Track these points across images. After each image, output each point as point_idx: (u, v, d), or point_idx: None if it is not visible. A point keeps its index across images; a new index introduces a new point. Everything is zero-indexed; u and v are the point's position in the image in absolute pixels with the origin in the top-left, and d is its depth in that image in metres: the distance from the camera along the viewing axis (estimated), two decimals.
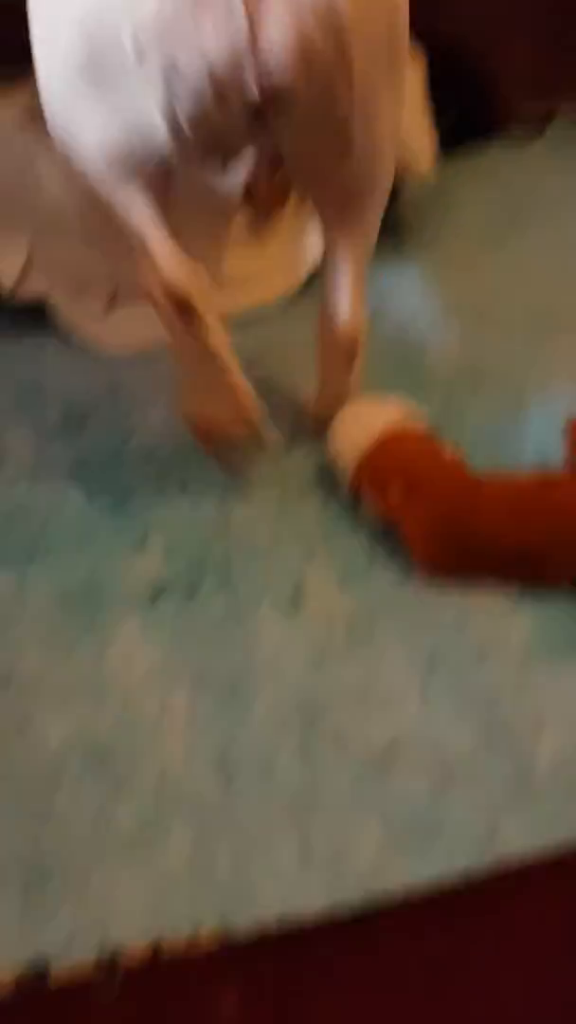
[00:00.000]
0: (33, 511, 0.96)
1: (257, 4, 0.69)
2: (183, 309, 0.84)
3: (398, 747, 0.73)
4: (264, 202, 1.05)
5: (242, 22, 0.69)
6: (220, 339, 0.88)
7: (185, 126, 0.74)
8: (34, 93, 0.88)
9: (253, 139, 0.81)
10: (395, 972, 0.61)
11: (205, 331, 0.86)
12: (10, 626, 0.85)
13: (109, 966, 0.61)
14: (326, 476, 0.98)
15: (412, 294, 1.24)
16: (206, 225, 1.13)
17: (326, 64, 0.72)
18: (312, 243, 1.26)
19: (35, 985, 0.60)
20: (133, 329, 1.21)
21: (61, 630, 0.84)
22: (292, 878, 0.65)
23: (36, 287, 1.22)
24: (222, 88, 0.72)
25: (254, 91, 0.72)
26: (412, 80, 1.29)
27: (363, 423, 0.92)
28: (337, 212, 0.90)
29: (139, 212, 0.85)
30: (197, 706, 0.77)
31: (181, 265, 0.85)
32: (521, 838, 0.67)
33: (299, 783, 0.71)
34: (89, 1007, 0.60)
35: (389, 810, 0.69)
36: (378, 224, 0.92)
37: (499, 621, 0.83)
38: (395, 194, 1.30)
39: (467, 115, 1.47)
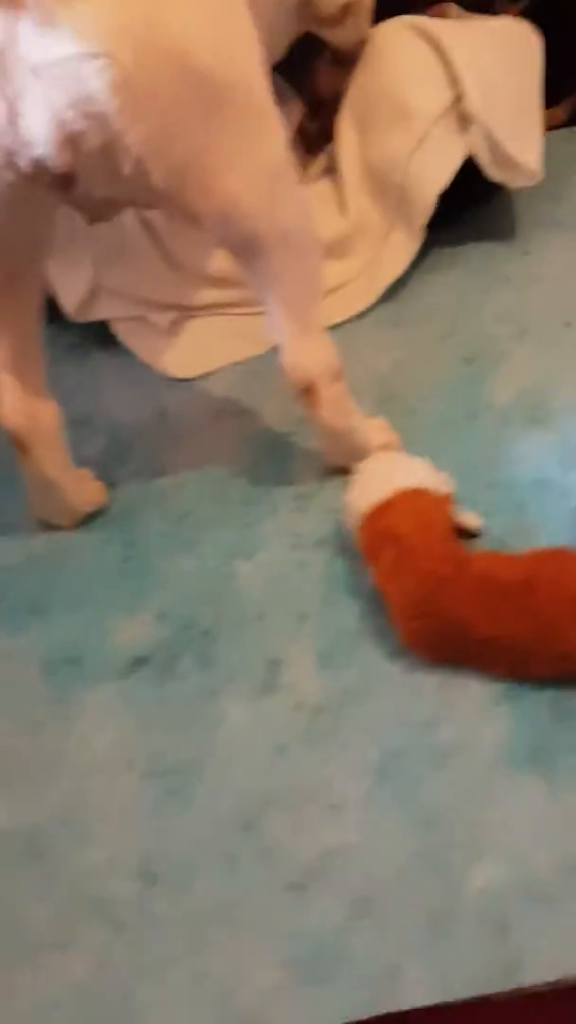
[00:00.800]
0: (41, 564, 0.98)
1: (15, 101, 0.71)
2: (18, 443, 0.94)
3: (324, 864, 0.71)
4: None
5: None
6: (55, 465, 0.96)
7: None
8: None
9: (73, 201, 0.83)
10: None
11: (36, 462, 0.95)
12: None
13: None
14: (340, 533, 0.94)
15: (492, 308, 1.16)
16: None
17: (95, 144, 0.73)
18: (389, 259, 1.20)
19: None
20: (195, 351, 1.21)
21: (37, 702, 0.86)
22: (179, 1009, 0.65)
23: (101, 311, 1.23)
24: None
25: (29, 170, 0.75)
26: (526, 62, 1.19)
27: (375, 481, 0.87)
28: (239, 261, 0.89)
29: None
30: (141, 796, 0.77)
31: (22, 405, 0.92)
32: (422, 986, 0.64)
33: (216, 899, 0.70)
34: None
35: (296, 938, 0.67)
36: (302, 272, 0.88)
37: (475, 719, 0.78)
38: (489, 198, 1.23)
39: None
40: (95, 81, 0.71)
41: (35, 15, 0.70)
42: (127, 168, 0.76)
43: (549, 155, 1.17)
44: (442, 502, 0.85)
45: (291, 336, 0.89)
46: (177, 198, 0.79)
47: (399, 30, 1.20)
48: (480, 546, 0.88)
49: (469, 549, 0.86)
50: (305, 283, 0.88)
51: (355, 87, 1.23)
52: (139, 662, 0.87)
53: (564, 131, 1.32)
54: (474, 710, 0.78)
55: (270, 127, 0.82)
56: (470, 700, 0.79)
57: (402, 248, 1.19)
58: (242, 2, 0.80)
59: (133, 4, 0.72)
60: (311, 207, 0.90)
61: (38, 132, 0.73)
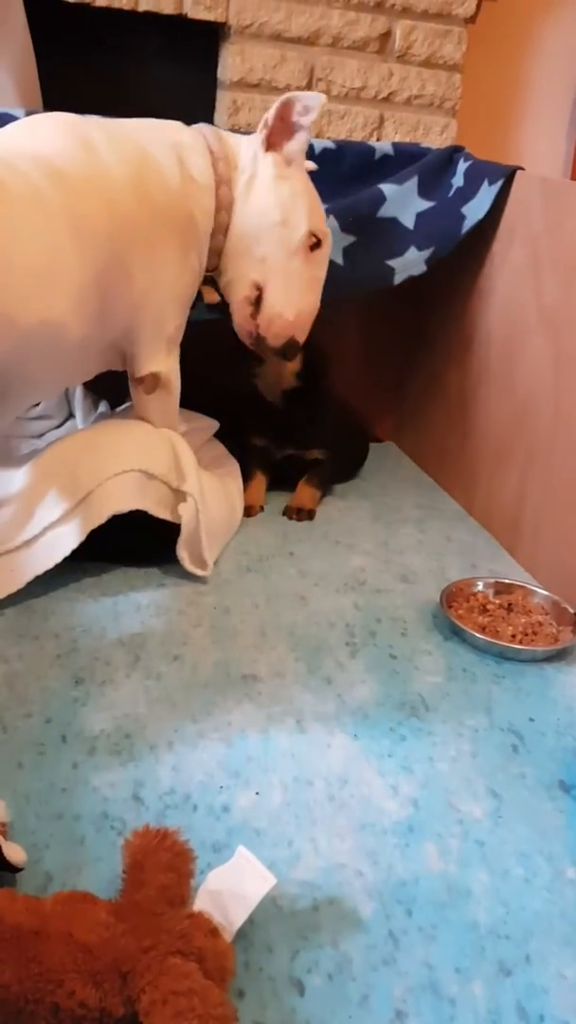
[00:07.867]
0: None
1: None
2: None
3: None
4: None
5: None
6: None
7: None
8: None
9: None
10: None
11: None
12: None
13: None
14: None
15: (115, 634, 1.20)
16: None
17: None
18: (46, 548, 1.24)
19: None
20: None
21: None
22: None
23: None
24: None
25: None
26: None
27: None
28: None
29: None
30: None
31: None
32: None
33: None
34: None
35: None
36: None
37: None
38: (156, 557, 1.32)
39: None
40: None
41: None
42: None
43: None
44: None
45: None
46: None
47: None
48: (26, 880, 0.87)
49: (15, 884, 0.85)
50: None
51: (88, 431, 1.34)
52: None
53: None
54: None
55: None
56: None
57: (59, 544, 1.24)
58: None
59: None
60: None
61: None
